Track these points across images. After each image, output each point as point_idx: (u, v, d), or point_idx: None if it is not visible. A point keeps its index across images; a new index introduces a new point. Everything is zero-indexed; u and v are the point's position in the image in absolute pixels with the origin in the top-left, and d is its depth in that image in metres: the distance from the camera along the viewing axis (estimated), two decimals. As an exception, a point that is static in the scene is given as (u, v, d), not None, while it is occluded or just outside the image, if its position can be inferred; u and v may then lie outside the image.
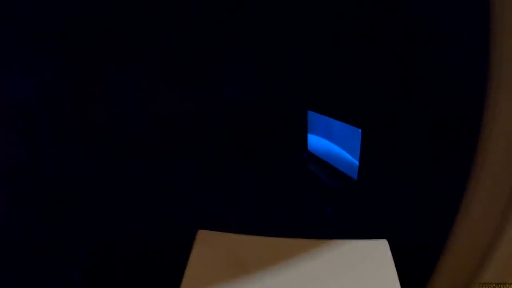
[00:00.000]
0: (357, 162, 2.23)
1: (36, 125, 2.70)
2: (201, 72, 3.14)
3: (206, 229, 1.09)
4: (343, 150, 2.39)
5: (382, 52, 2.16)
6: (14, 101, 2.49)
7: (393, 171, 2.20)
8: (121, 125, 3.08)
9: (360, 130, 2.13)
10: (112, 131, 3.09)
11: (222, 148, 3.23)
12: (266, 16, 2.90)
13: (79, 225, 2.68)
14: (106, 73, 3.06)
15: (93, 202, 2.87)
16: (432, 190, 2.09)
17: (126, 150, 3.09)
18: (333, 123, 2.43)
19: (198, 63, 3.09)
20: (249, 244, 1.04)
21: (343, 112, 2.33)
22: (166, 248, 2.45)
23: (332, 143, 2.51)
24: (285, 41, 2.96)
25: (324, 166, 2.65)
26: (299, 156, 2.98)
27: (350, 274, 0.94)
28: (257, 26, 2.98)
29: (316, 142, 2.75)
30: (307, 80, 2.98)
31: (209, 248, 1.03)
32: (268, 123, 3.20)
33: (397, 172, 2.21)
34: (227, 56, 3.14)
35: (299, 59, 2.96)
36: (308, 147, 2.90)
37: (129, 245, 2.52)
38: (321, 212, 2.52)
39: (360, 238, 1.06)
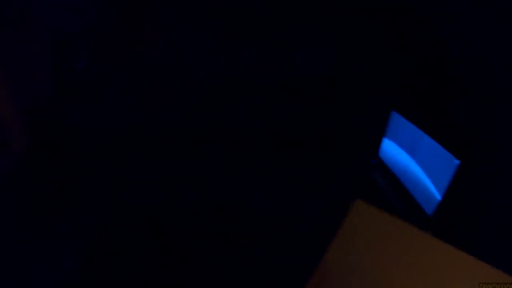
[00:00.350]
0: (439, 196, 1.77)
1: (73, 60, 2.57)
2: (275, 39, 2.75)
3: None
4: (425, 175, 1.92)
5: None
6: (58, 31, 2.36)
7: (484, 220, 1.72)
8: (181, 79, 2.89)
9: (457, 162, 1.64)
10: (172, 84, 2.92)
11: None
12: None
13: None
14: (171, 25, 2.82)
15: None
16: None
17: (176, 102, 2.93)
18: (423, 138, 1.93)
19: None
20: (397, 228, 1.03)
21: (442, 131, 1.82)
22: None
23: (413, 161, 2.04)
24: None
25: (392, 183, 2.21)
26: (365, 159, 2.55)
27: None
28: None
29: (393, 152, 2.28)
30: (403, 69, 2.41)
31: (362, 217, 1.07)
32: (337, 107, 2.76)
33: (487, 222, 1.72)
34: (302, 19, 2.68)
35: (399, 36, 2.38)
36: (381, 153, 2.44)
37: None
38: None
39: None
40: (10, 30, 1.97)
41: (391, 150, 2.30)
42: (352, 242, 1.04)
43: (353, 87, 2.70)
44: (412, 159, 2.05)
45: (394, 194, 2.15)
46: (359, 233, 1.05)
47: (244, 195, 2.61)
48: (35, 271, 1.79)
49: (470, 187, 1.68)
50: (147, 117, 2.84)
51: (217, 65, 2.90)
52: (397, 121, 2.24)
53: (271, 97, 2.87)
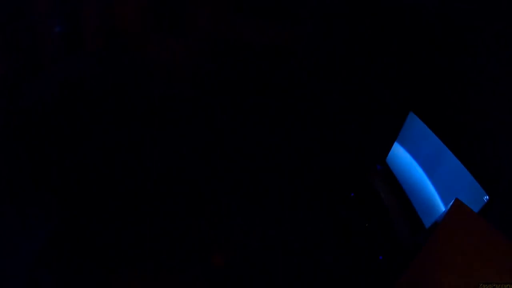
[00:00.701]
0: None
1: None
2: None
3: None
4: (441, 201, 1.62)
5: None
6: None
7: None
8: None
9: (486, 197, 1.34)
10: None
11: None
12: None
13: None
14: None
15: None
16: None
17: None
18: (447, 156, 1.61)
19: None
20: (492, 238, 1.02)
21: (474, 155, 1.50)
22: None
23: (429, 179, 1.73)
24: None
25: (397, 197, 1.93)
26: (369, 162, 2.24)
27: None
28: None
29: (405, 161, 1.96)
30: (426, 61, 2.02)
31: (459, 218, 1.11)
32: (341, 99, 2.38)
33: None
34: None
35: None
36: (389, 159, 2.12)
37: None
38: (366, 253, 1.90)
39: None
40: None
41: (403, 158, 1.98)
42: (447, 239, 1.10)
43: (361, 77, 2.31)
44: (427, 176, 1.75)
45: (397, 211, 1.88)
46: (454, 232, 1.10)
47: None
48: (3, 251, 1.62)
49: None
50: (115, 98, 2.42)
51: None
52: (416, 126, 1.90)
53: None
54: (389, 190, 2.00)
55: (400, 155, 2.00)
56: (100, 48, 2.34)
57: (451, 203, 1.15)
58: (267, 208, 2.21)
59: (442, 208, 1.61)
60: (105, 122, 2.40)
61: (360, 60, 2.33)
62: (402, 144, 2.00)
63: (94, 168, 2.22)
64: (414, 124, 1.92)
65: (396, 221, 1.82)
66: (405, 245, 1.72)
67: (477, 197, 1.39)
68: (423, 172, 1.80)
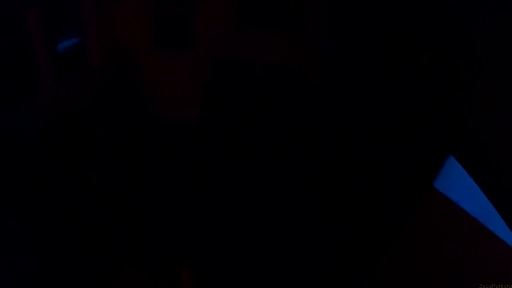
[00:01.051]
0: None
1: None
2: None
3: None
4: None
5: None
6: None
7: None
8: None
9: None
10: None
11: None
12: None
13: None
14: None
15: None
16: None
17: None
18: (492, 218, 1.29)
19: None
20: (467, 224, 1.10)
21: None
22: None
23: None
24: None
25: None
26: (400, 212, 1.91)
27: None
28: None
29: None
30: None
31: (435, 207, 1.21)
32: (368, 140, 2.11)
33: None
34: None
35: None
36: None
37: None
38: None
39: None
40: None
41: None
42: (424, 227, 1.15)
43: (388, 110, 2.02)
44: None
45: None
46: (431, 219, 1.15)
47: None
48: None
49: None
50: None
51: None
52: (455, 173, 1.59)
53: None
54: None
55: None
56: (103, 66, 2.30)
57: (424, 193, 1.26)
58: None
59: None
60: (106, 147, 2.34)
61: (387, 88, 2.06)
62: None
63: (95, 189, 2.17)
64: (454, 169, 1.60)
65: None
66: None
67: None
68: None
